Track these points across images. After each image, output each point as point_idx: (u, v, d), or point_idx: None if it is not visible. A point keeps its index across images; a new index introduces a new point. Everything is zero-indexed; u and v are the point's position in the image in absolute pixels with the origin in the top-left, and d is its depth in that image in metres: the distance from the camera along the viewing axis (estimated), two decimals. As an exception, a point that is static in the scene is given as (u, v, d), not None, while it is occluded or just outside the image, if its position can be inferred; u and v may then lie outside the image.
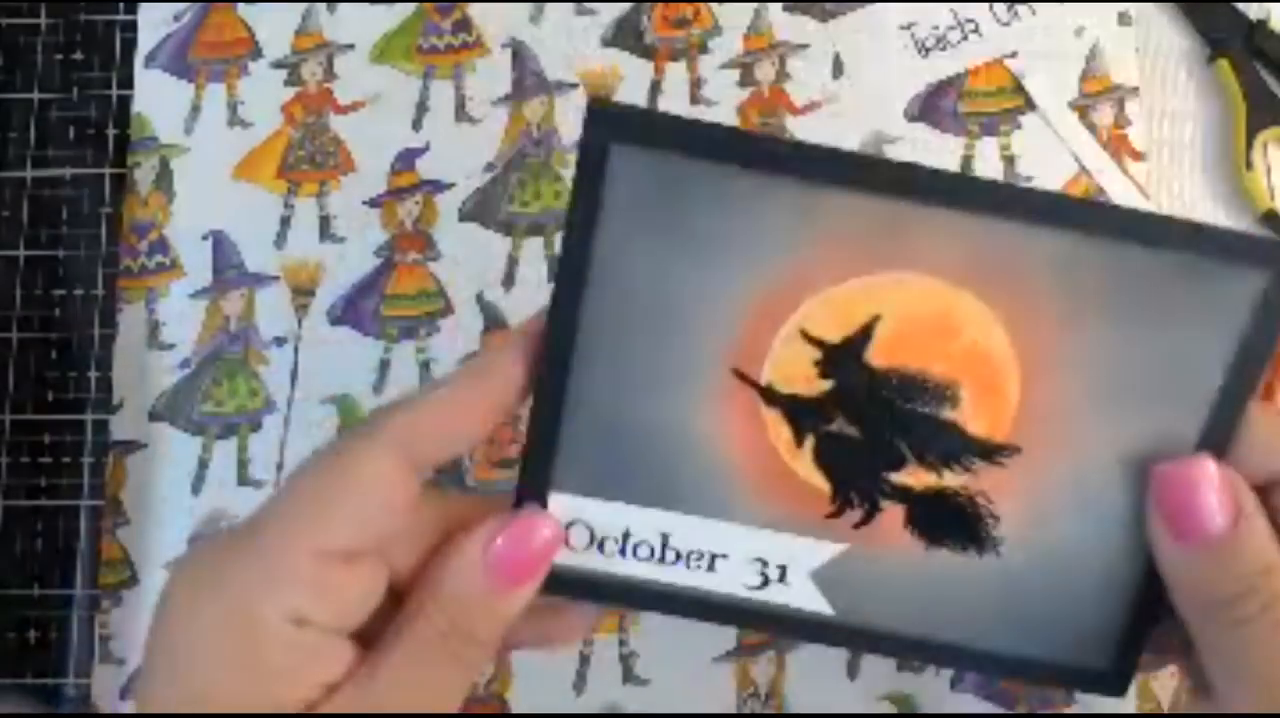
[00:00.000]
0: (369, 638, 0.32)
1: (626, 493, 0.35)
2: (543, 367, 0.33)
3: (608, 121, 0.30)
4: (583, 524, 0.35)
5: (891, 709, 0.47)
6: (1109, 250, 0.31)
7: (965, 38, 0.54)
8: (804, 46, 0.54)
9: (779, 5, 0.54)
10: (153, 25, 0.56)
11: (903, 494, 0.34)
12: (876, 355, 0.32)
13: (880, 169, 0.31)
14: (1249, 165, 0.51)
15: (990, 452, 0.33)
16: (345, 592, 0.31)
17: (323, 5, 0.56)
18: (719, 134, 0.31)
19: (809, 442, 0.34)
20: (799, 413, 0.33)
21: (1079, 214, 0.31)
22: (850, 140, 0.53)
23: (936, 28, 0.54)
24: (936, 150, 0.53)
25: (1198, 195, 0.52)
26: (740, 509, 0.35)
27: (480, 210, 0.53)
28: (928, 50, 0.54)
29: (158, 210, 0.54)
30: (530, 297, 0.52)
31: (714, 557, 0.35)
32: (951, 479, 0.34)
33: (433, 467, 0.32)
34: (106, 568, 0.51)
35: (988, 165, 0.52)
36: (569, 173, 0.53)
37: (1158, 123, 0.53)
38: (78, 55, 0.56)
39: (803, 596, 0.35)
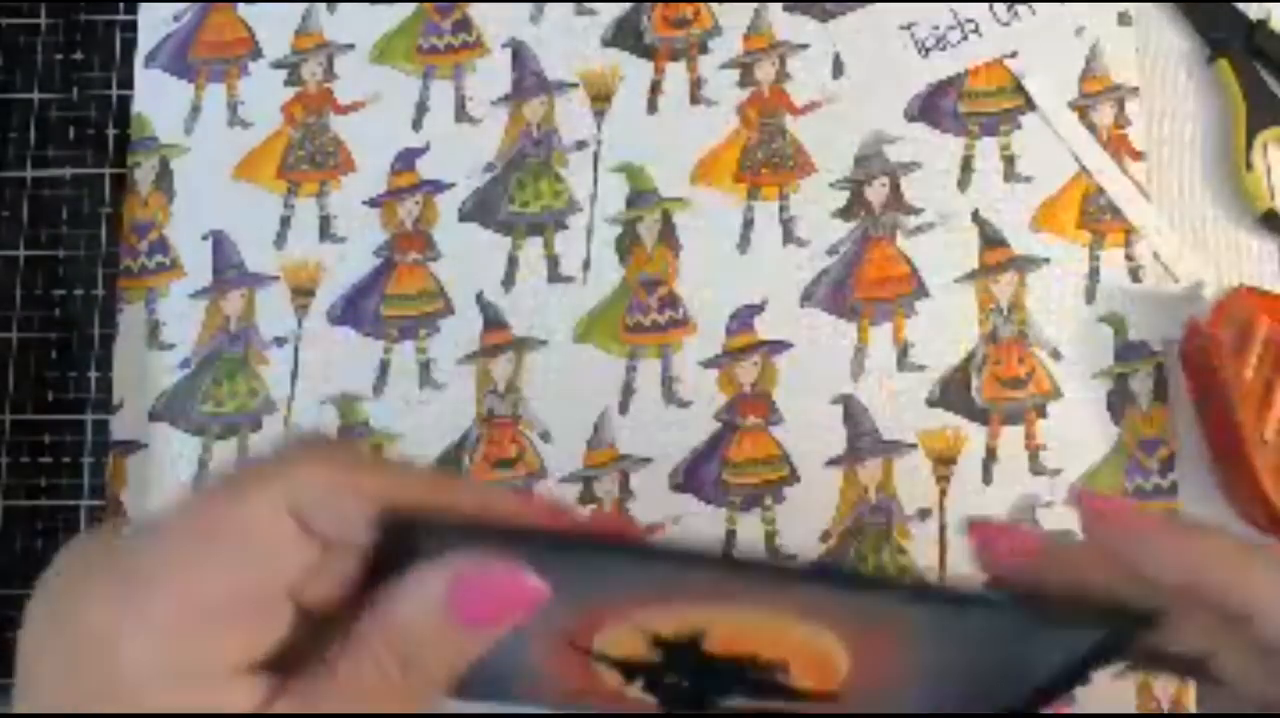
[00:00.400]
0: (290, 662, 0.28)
1: (472, 692, 0.33)
2: None
3: (404, 531, 0.28)
4: None
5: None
6: (936, 614, 0.30)
7: (965, 38, 0.54)
8: (804, 46, 0.54)
9: (779, 5, 0.54)
10: (153, 25, 0.56)
11: (732, 712, 0.35)
12: (708, 645, 0.32)
13: (669, 559, 0.29)
14: (1249, 165, 0.51)
15: (816, 697, 0.34)
16: (222, 642, 0.28)
17: (322, 5, 0.56)
18: (522, 537, 0.29)
19: (639, 682, 0.34)
20: (629, 671, 0.33)
21: (892, 590, 0.30)
22: (850, 140, 0.53)
23: (936, 28, 0.54)
24: (937, 149, 0.53)
25: (1198, 195, 0.52)
26: (580, 708, 0.35)
27: (480, 210, 0.53)
28: (928, 50, 0.54)
29: (158, 210, 0.54)
30: (530, 296, 0.52)
31: None
32: (777, 705, 0.34)
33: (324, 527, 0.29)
34: (106, 568, 0.51)
35: (988, 165, 0.52)
36: (569, 172, 0.53)
37: (1158, 123, 0.53)
38: (78, 55, 0.56)
39: None
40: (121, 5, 0.56)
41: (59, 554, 0.29)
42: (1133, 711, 0.47)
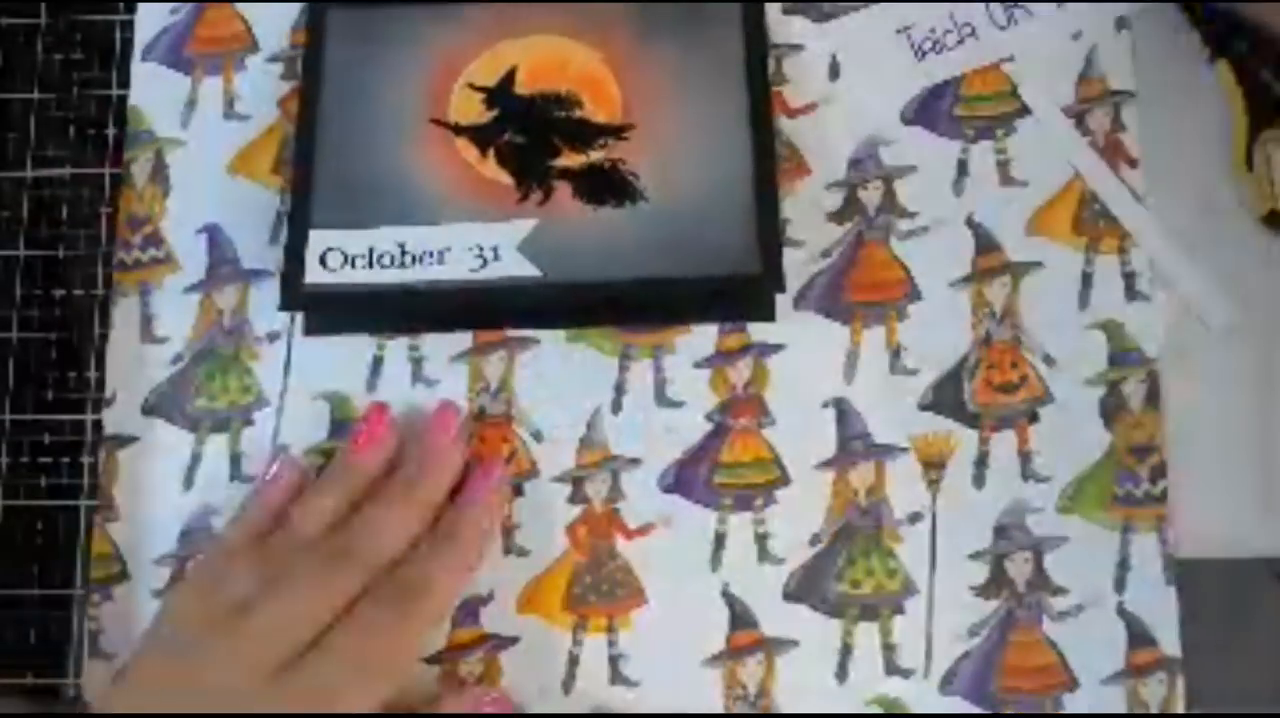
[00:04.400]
0: None
1: (366, 221, 0.50)
2: (295, 145, 0.52)
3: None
4: (337, 251, 0.49)
5: (879, 711, 0.47)
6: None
7: (962, 41, 0.54)
8: (800, 48, 0.54)
9: (777, 6, 0.54)
10: (150, 18, 0.56)
11: (565, 174, 0.50)
12: (521, 87, 0.52)
13: None
14: (1250, 166, 0.51)
15: (613, 131, 0.51)
16: None
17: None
18: None
19: (490, 153, 0.51)
20: (478, 135, 0.51)
21: None
22: (846, 144, 0.53)
23: (933, 30, 0.54)
24: (932, 153, 0.53)
25: (1198, 196, 0.52)
26: (454, 213, 0.50)
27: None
28: (924, 53, 0.54)
29: (153, 204, 0.54)
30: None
31: (441, 252, 0.49)
32: (595, 155, 0.51)
33: None
34: (97, 563, 0.50)
35: (983, 168, 0.52)
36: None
37: (1157, 124, 0.52)
38: (78, 55, 0.56)
39: (515, 266, 0.49)
40: (121, 5, 0.56)
41: None
42: (1123, 711, 0.47)
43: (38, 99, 0.55)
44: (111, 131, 0.55)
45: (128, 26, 0.56)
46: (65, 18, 0.56)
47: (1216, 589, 0.48)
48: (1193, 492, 0.49)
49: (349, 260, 0.50)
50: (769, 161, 0.51)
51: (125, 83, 0.55)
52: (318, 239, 0.50)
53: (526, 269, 0.49)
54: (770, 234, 0.49)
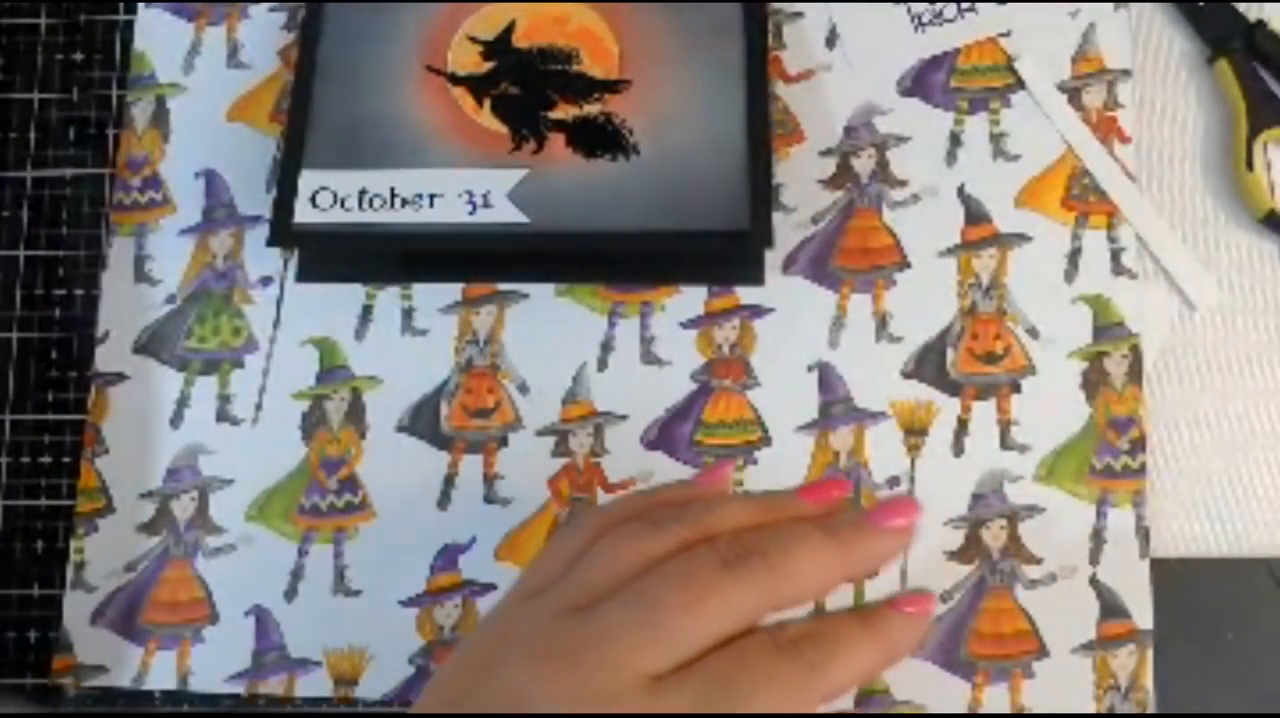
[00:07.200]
0: None
1: (359, 163, 0.50)
2: (293, 88, 0.52)
3: None
4: (328, 191, 0.50)
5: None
6: None
7: (961, 14, 0.54)
8: (799, 15, 0.54)
9: (778, -27, 0.55)
10: (157, -36, 0.56)
11: (559, 125, 0.51)
12: (519, 40, 0.52)
13: None
14: (1249, 166, 0.51)
15: (609, 85, 0.51)
16: None
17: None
18: None
19: (486, 103, 0.51)
20: (475, 85, 0.52)
21: None
22: (841, 112, 0.53)
23: (933, 2, 0.54)
24: (926, 124, 0.53)
25: (1197, 196, 0.52)
26: (446, 158, 0.51)
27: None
28: (923, 24, 0.54)
29: (152, 147, 0.55)
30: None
31: (432, 196, 0.50)
32: (590, 108, 0.51)
33: None
34: (83, 495, 0.51)
35: (976, 141, 0.52)
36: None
37: (1157, 123, 0.52)
38: (78, 55, 0.56)
39: (504, 212, 0.49)
40: (121, 5, 0.57)
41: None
42: (1090, 687, 0.47)
43: (38, 99, 0.55)
44: (112, 133, 0.55)
45: (128, 27, 0.56)
46: (65, 18, 0.56)
47: (1213, 590, 0.48)
48: (1190, 492, 0.49)
49: (339, 201, 0.50)
50: (763, 121, 0.51)
51: (126, 83, 0.55)
52: (309, 178, 0.51)
53: (515, 216, 0.49)
54: (761, 192, 0.49)
